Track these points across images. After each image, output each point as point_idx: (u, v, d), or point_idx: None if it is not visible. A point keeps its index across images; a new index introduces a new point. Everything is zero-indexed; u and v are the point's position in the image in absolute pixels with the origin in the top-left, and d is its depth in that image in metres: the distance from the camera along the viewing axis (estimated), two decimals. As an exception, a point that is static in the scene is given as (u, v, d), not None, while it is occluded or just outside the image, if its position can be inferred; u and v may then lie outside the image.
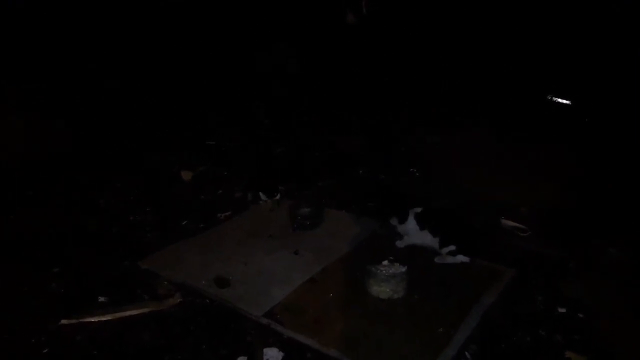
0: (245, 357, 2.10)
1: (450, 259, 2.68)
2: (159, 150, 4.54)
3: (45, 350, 2.18)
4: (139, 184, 3.90)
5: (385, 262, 2.54)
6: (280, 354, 2.11)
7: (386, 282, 2.39)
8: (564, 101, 4.32)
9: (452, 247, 2.65)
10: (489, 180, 3.66)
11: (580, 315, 2.28)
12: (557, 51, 4.39)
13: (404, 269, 2.45)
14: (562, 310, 2.31)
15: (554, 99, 4.37)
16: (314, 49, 5.29)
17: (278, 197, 3.54)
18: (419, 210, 2.80)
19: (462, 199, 3.42)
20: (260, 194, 3.56)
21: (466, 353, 2.08)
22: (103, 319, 2.34)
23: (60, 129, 4.92)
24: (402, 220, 2.76)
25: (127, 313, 2.37)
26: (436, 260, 2.70)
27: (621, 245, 2.83)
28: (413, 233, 2.79)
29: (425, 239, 2.75)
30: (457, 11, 4.72)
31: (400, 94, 4.99)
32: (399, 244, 2.85)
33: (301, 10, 5.33)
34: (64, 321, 2.32)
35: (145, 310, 2.40)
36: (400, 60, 5.00)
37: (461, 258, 2.66)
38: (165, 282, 2.62)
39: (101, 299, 2.50)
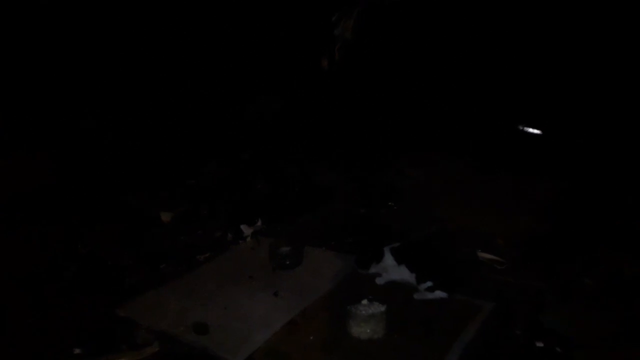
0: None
1: (428, 295, 2.69)
2: (138, 191, 4.50)
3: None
4: (119, 226, 3.86)
5: (364, 302, 2.53)
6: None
7: (366, 323, 2.39)
8: (535, 131, 4.43)
9: (430, 283, 2.67)
10: (465, 212, 3.71)
11: (558, 350, 2.30)
12: (530, 81, 4.50)
13: (383, 308, 2.46)
14: (540, 344, 2.33)
15: (526, 129, 4.48)
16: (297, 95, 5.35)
17: (259, 223, 3.53)
18: (396, 245, 2.83)
19: (440, 231, 3.45)
20: (242, 226, 3.56)
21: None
22: (79, 372, 2.30)
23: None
24: (378, 260, 2.78)
25: (104, 365, 2.33)
26: (415, 296, 2.72)
27: (597, 274, 2.87)
28: (391, 269, 2.81)
29: (404, 274, 2.77)
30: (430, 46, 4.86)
31: (377, 128, 5.08)
32: (379, 280, 2.86)
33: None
34: (37, 376, 2.27)
35: (123, 360, 2.36)
36: (377, 95, 5.11)
37: (439, 294, 2.68)
38: (144, 330, 2.58)
39: (77, 350, 2.45)
